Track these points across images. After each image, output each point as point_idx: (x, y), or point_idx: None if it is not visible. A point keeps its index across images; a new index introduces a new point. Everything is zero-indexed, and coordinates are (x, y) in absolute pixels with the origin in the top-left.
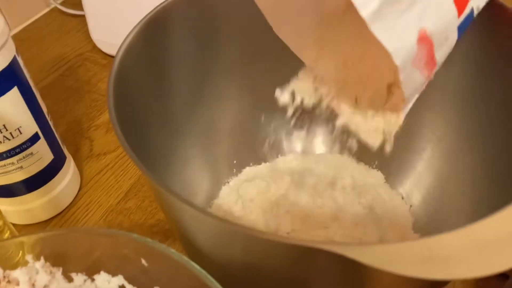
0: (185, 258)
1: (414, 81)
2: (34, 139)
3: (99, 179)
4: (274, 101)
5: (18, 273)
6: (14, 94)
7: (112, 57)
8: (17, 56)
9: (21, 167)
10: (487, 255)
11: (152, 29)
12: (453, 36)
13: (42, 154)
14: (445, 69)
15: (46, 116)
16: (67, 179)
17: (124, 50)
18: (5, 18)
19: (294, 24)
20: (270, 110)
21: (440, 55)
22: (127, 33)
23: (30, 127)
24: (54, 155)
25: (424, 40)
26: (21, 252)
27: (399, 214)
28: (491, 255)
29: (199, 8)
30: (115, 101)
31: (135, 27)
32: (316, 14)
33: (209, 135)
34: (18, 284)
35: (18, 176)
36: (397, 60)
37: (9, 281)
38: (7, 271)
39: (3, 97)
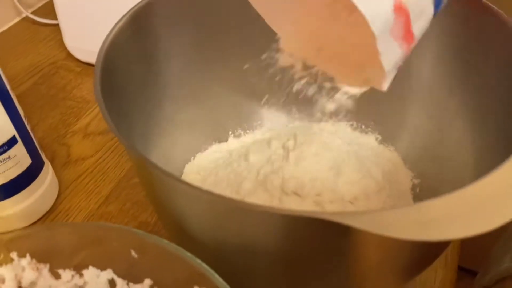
0: (176, 246)
1: (392, 54)
2: (11, 142)
3: (78, 184)
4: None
5: (3, 271)
6: None
7: (87, 64)
8: None
9: None
10: (480, 214)
11: (138, 19)
12: (429, 10)
13: (19, 158)
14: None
15: (24, 119)
16: (46, 184)
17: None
18: None
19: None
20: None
21: (417, 28)
22: (103, 39)
23: (8, 130)
24: (32, 159)
25: (400, 10)
26: (4, 250)
27: (398, 178)
28: (484, 214)
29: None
30: (101, 79)
31: (120, 19)
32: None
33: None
34: (3, 281)
35: None
36: (375, 28)
37: None
38: None
39: None
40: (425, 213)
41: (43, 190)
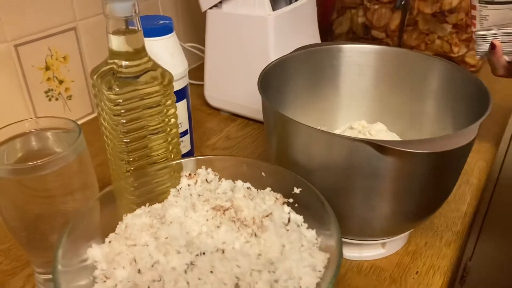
0: (283, 169)
1: None
2: (185, 133)
3: None
4: None
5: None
6: (183, 104)
7: (215, 109)
8: (187, 85)
9: None
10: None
11: (278, 64)
12: None
13: (186, 144)
14: None
15: (191, 123)
16: None
17: (262, 74)
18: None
19: None
20: None
21: None
22: (229, 91)
23: (186, 124)
24: (191, 147)
25: None
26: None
27: None
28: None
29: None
30: (263, 90)
31: (265, 67)
32: None
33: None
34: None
35: None
36: None
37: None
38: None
39: (179, 103)
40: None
41: None
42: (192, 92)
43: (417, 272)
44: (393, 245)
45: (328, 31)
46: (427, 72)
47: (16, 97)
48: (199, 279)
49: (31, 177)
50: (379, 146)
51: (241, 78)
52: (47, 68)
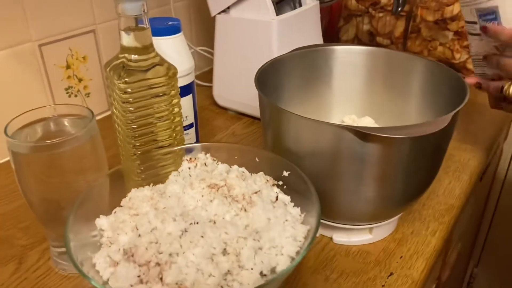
0: (275, 155)
1: None
2: (191, 126)
3: None
4: None
5: (199, 155)
6: (189, 98)
7: (222, 108)
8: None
9: None
10: None
11: (273, 63)
12: None
13: (191, 136)
14: None
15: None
16: None
17: (259, 71)
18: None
19: None
20: None
21: None
22: (236, 91)
23: (191, 117)
24: (196, 139)
25: None
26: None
27: None
28: None
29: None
30: (260, 87)
31: (263, 65)
32: None
33: None
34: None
35: None
36: None
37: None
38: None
39: (185, 98)
40: None
41: None
42: (202, 93)
43: (401, 256)
44: (380, 231)
45: (335, 38)
46: (411, 69)
47: (39, 92)
48: (190, 242)
49: (48, 154)
50: (360, 133)
51: (247, 79)
52: (68, 66)
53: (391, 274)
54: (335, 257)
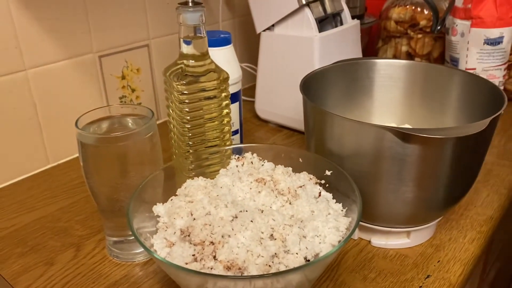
0: (318, 155)
1: None
2: (236, 132)
3: None
4: None
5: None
6: (236, 106)
7: (263, 120)
8: (240, 91)
9: None
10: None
11: (319, 73)
12: None
13: (236, 141)
14: None
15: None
16: None
17: (303, 80)
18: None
19: None
20: None
21: None
22: (278, 103)
23: (238, 123)
24: (240, 142)
25: None
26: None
27: None
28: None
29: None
30: (305, 93)
31: (307, 74)
32: None
33: None
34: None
35: None
36: None
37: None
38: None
39: (232, 105)
40: None
41: None
42: (244, 107)
43: (439, 260)
44: (418, 236)
45: None
46: (448, 81)
47: (97, 99)
48: (241, 225)
49: (113, 146)
50: (401, 133)
51: (288, 92)
52: (123, 77)
53: (428, 276)
54: (373, 258)
